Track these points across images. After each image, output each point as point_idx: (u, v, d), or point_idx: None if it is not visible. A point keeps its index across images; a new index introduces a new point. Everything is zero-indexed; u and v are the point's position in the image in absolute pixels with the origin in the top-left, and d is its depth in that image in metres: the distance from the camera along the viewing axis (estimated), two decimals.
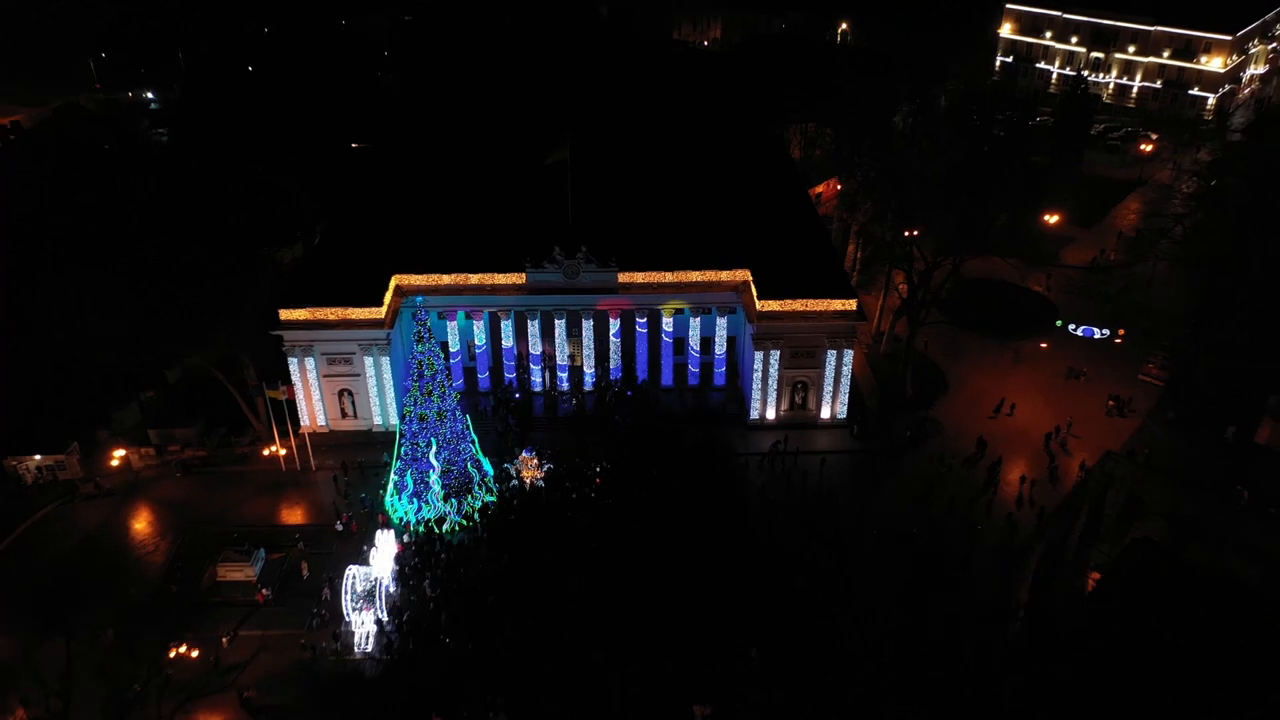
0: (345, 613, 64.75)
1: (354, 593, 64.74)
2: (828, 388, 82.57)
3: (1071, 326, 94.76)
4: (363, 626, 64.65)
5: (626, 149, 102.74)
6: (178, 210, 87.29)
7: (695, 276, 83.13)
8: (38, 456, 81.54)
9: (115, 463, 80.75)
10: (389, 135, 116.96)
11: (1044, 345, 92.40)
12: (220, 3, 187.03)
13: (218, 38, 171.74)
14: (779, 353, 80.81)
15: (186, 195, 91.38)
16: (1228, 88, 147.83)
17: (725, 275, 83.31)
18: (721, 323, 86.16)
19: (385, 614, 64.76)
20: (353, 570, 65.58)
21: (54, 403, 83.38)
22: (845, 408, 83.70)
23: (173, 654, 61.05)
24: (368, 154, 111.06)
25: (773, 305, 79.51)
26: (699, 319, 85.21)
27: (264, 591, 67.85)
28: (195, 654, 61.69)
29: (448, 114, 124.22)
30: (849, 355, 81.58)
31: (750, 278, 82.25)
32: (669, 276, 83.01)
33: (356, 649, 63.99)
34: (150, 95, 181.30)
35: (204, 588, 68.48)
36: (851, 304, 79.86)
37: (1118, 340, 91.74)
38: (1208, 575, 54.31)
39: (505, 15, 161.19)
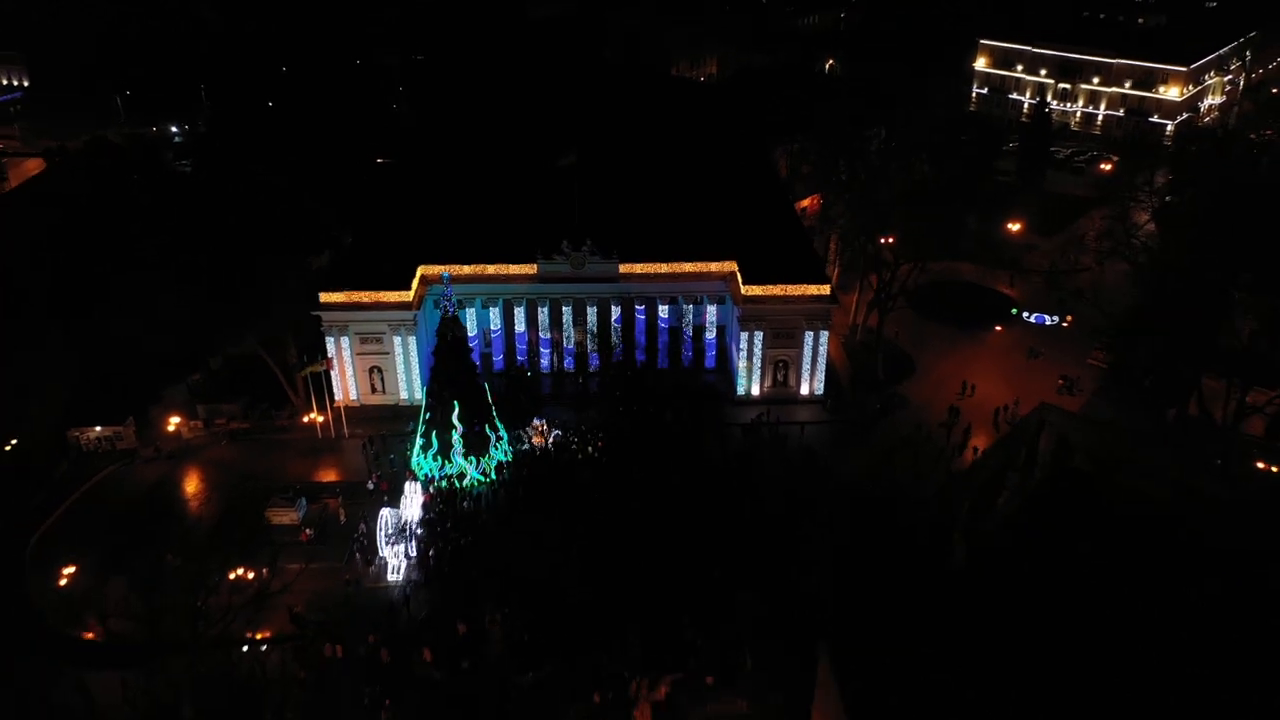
0: (380, 547, 74.17)
1: (387, 531, 74.24)
2: (806, 366, 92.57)
3: (1025, 314, 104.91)
4: (394, 559, 73.99)
5: (628, 159, 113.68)
6: (214, 227, 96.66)
7: (688, 268, 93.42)
8: (98, 428, 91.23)
9: (171, 428, 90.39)
10: (408, 152, 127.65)
11: (999, 328, 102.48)
12: (236, 41, 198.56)
13: (236, 75, 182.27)
14: (762, 333, 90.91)
15: (220, 214, 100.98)
16: (1185, 115, 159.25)
17: (715, 266, 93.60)
18: (712, 311, 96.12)
19: (414, 549, 74.11)
20: (385, 513, 75.27)
21: (112, 383, 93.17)
22: (823, 384, 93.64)
23: (231, 576, 70.18)
24: (391, 167, 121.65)
25: (756, 290, 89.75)
26: (690, 307, 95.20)
27: (307, 532, 77.29)
28: (250, 576, 70.85)
29: (462, 130, 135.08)
30: (824, 336, 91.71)
31: (736, 268, 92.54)
32: (664, 268, 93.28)
33: (389, 577, 73.24)
34: (174, 129, 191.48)
35: (254, 528, 77.73)
36: (825, 289, 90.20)
37: (1065, 324, 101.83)
38: (1128, 500, 63.37)
39: (514, 54, 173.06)
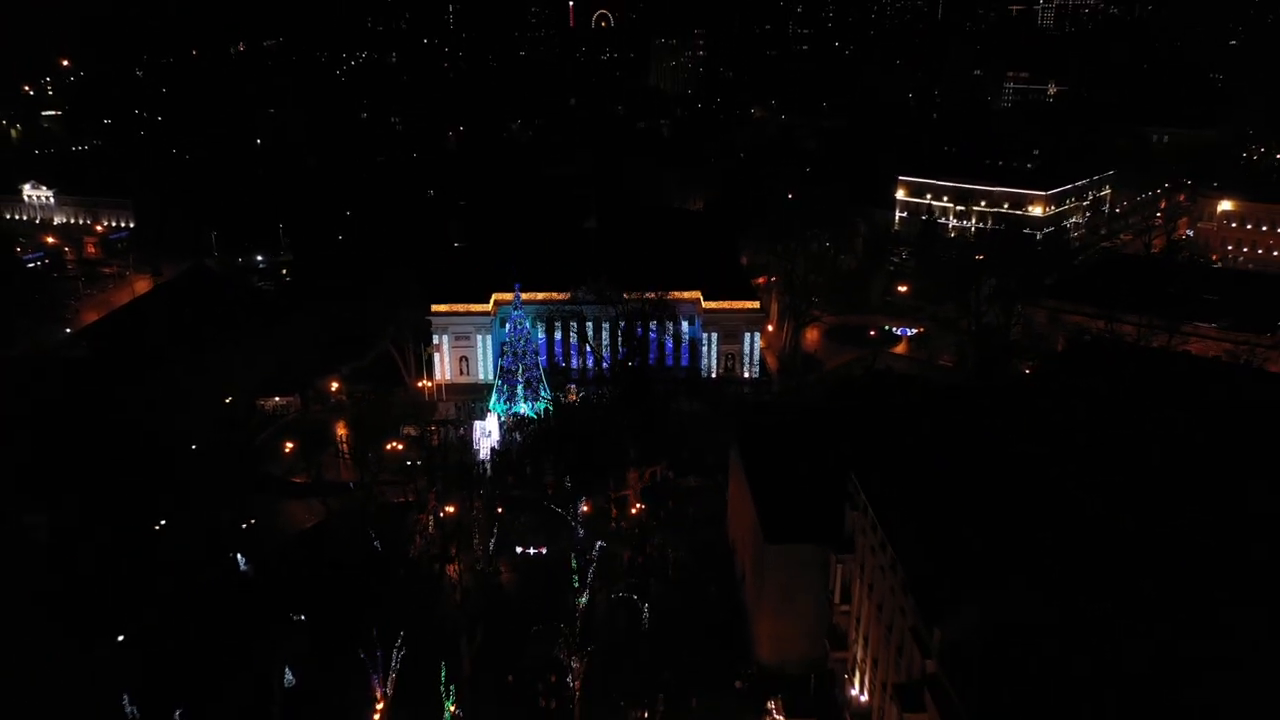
0: (474, 440, 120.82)
1: (479, 432, 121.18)
2: (746, 357, 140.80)
3: (895, 329, 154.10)
4: (482, 448, 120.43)
5: (634, 234, 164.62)
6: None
7: (670, 295, 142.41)
8: (276, 398, 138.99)
9: (332, 395, 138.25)
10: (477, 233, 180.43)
11: (872, 333, 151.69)
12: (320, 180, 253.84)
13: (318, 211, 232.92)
14: (717, 334, 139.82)
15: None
16: (1050, 229, 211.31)
17: (687, 294, 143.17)
18: (685, 328, 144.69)
19: (496, 441, 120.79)
20: (477, 423, 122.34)
21: (290, 369, 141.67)
22: (758, 369, 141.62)
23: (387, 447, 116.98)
24: (466, 250, 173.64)
25: (712, 305, 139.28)
26: (670, 325, 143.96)
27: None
28: (401, 447, 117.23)
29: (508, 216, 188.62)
30: (757, 337, 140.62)
31: (700, 295, 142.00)
32: (653, 295, 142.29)
33: (479, 456, 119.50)
34: (259, 258, 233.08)
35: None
36: (756, 304, 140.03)
37: (916, 332, 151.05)
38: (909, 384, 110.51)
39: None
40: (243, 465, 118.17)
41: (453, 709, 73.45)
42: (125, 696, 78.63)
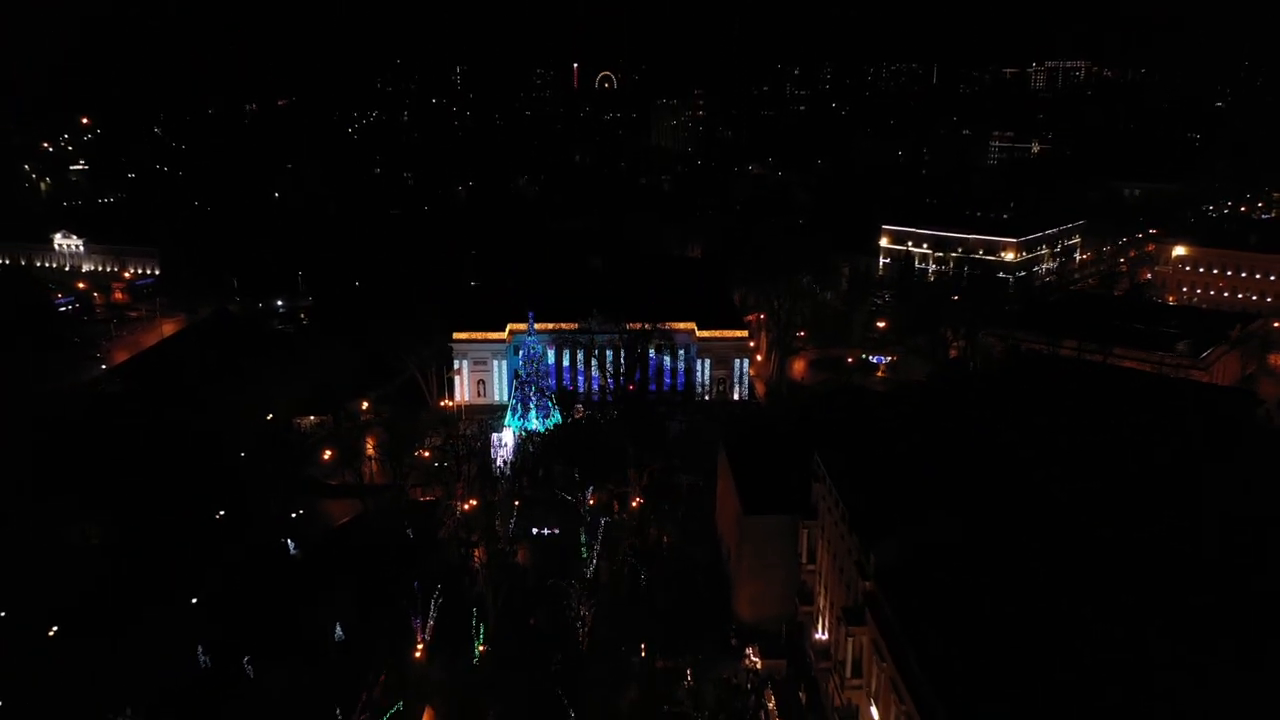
0: (493, 448, 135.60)
1: (496, 443, 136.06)
2: (736, 381, 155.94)
3: (872, 358, 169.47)
4: (499, 456, 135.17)
5: (635, 273, 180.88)
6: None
7: (667, 325, 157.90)
8: (311, 417, 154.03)
9: (362, 414, 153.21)
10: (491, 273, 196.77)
11: (850, 360, 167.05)
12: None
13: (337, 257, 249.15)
14: (710, 360, 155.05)
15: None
16: (1022, 273, 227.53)
17: (682, 325, 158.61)
18: (681, 355, 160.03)
19: (510, 452, 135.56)
20: (494, 435, 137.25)
21: (323, 391, 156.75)
22: (747, 393, 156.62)
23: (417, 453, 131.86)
24: (482, 286, 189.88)
25: (705, 333, 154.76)
26: (667, 351, 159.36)
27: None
28: (427, 455, 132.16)
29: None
30: (746, 363, 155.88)
31: (694, 325, 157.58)
32: (654, 324, 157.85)
33: (497, 461, 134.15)
34: (279, 302, 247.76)
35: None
36: (744, 333, 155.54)
37: (890, 360, 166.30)
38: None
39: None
40: (287, 469, 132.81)
41: (481, 648, 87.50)
42: (200, 648, 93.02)
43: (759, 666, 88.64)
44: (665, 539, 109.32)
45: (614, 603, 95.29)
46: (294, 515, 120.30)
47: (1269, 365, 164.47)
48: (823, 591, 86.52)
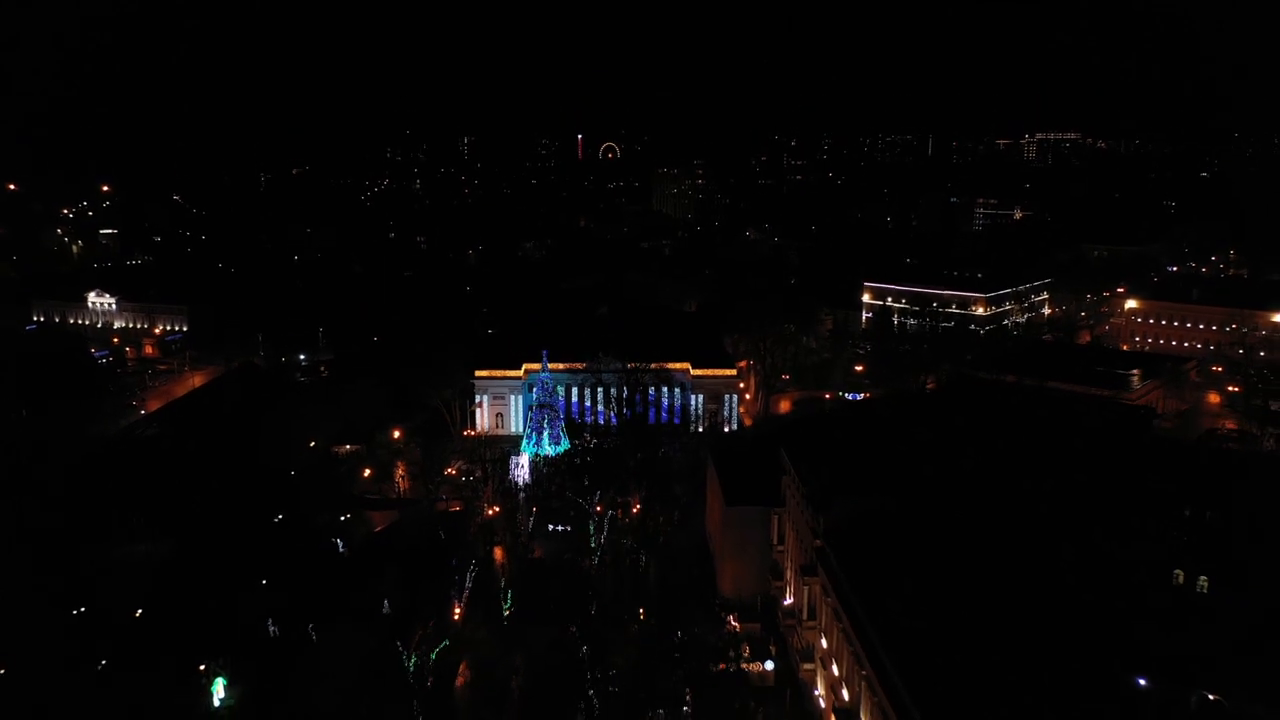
0: (511, 470, 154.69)
1: (514, 465, 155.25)
2: (726, 414, 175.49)
3: (847, 395, 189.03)
4: (517, 476, 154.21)
5: (637, 321, 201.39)
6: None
7: (665, 365, 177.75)
8: (347, 445, 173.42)
9: (393, 442, 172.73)
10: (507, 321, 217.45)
11: (828, 396, 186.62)
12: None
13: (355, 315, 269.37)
14: (702, 396, 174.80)
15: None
16: (991, 326, 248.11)
17: (678, 365, 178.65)
18: (678, 393, 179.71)
19: (526, 474, 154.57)
20: (513, 458, 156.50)
21: (350, 427, 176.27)
22: (735, 426, 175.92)
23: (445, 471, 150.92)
24: (500, 334, 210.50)
25: (699, 372, 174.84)
26: (664, 388, 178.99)
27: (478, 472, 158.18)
28: (452, 472, 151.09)
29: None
30: (735, 398, 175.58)
31: (689, 365, 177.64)
32: (653, 365, 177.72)
33: (516, 482, 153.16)
34: (302, 356, 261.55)
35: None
36: (734, 371, 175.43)
37: (863, 397, 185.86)
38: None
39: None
40: (331, 485, 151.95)
41: (508, 610, 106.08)
42: (269, 620, 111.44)
43: (738, 629, 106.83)
44: (662, 532, 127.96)
45: (617, 579, 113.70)
46: (342, 519, 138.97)
47: (1208, 403, 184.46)
48: (790, 566, 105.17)
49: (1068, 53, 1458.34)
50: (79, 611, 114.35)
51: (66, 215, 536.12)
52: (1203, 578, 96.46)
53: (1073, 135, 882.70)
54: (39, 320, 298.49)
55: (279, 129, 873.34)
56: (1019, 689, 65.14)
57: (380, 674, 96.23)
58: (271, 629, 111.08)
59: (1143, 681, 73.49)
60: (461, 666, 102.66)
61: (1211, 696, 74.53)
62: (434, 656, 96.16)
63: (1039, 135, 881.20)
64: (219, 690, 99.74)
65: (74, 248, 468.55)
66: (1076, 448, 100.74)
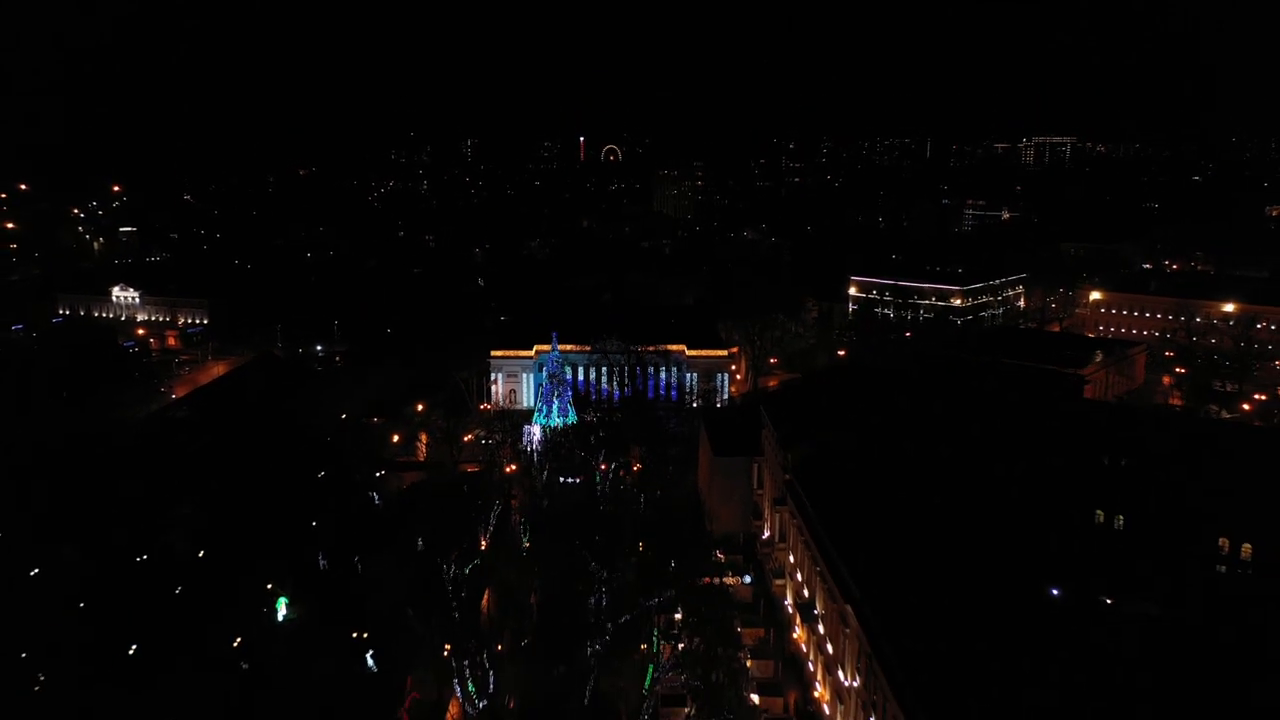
0: (525, 438, 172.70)
1: (527, 433, 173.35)
2: (719, 392, 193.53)
3: None
4: (530, 442, 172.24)
5: (638, 308, 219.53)
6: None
7: (664, 346, 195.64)
8: (375, 418, 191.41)
9: (418, 414, 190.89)
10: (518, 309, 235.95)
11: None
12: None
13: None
14: (696, 374, 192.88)
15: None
16: (970, 316, 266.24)
17: (675, 346, 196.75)
18: (675, 372, 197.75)
19: (537, 441, 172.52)
20: (526, 428, 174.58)
21: (383, 400, 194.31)
22: (727, 402, 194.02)
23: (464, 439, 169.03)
24: (512, 321, 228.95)
25: (693, 353, 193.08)
26: (662, 367, 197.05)
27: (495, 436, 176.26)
28: (470, 439, 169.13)
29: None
30: (726, 376, 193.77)
31: (685, 347, 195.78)
32: (652, 347, 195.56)
33: (528, 448, 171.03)
34: (319, 347, 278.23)
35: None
36: (725, 353, 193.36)
37: None
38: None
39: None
40: (364, 448, 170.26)
41: (527, 544, 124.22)
42: (320, 554, 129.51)
43: (723, 559, 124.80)
44: (658, 486, 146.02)
45: (619, 521, 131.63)
46: (377, 474, 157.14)
47: (1162, 384, 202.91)
48: (766, 504, 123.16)
49: (1067, 54, 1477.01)
50: (142, 558, 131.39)
51: (76, 215, 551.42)
52: (1119, 517, 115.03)
53: (1070, 139, 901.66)
54: (64, 313, 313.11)
55: (283, 131, 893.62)
56: (947, 577, 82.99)
57: (425, 584, 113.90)
58: (322, 562, 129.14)
59: (1055, 591, 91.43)
60: (486, 593, 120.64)
61: (1108, 600, 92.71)
62: (467, 571, 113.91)
63: (1037, 139, 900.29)
64: (282, 608, 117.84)
65: (95, 245, 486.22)
66: (1012, 403, 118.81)
